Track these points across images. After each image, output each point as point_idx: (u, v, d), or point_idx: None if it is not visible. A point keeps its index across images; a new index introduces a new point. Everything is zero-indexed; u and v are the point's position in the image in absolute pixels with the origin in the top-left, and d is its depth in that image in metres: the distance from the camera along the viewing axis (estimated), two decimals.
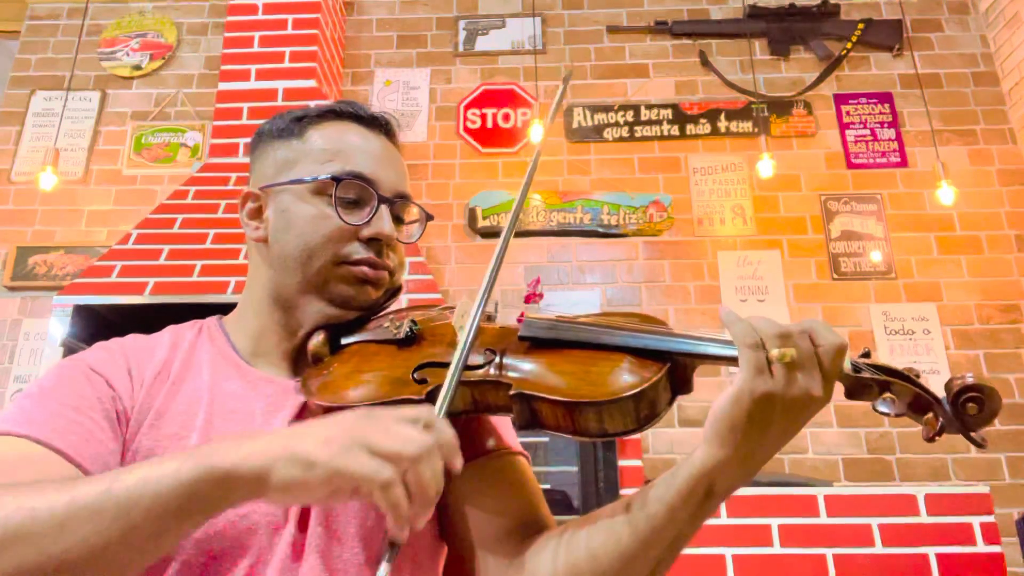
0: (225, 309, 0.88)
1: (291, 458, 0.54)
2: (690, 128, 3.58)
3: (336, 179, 0.79)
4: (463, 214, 3.50)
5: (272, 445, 0.55)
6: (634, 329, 0.68)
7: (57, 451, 0.64)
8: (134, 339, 0.81)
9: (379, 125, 0.86)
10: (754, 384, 0.57)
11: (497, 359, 0.70)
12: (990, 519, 2.00)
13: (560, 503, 2.47)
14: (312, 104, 0.90)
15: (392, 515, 0.54)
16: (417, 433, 0.56)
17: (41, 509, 0.52)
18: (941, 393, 0.60)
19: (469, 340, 0.66)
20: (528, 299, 0.81)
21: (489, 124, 3.65)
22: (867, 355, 0.63)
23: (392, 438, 0.55)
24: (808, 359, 0.58)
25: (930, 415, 0.60)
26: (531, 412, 0.66)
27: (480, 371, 0.69)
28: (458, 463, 0.58)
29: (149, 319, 2.68)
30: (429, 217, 0.91)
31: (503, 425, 0.84)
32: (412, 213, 0.89)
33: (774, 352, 0.57)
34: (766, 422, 0.59)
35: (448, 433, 0.58)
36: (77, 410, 0.69)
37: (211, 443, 0.58)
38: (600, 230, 3.43)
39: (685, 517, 0.62)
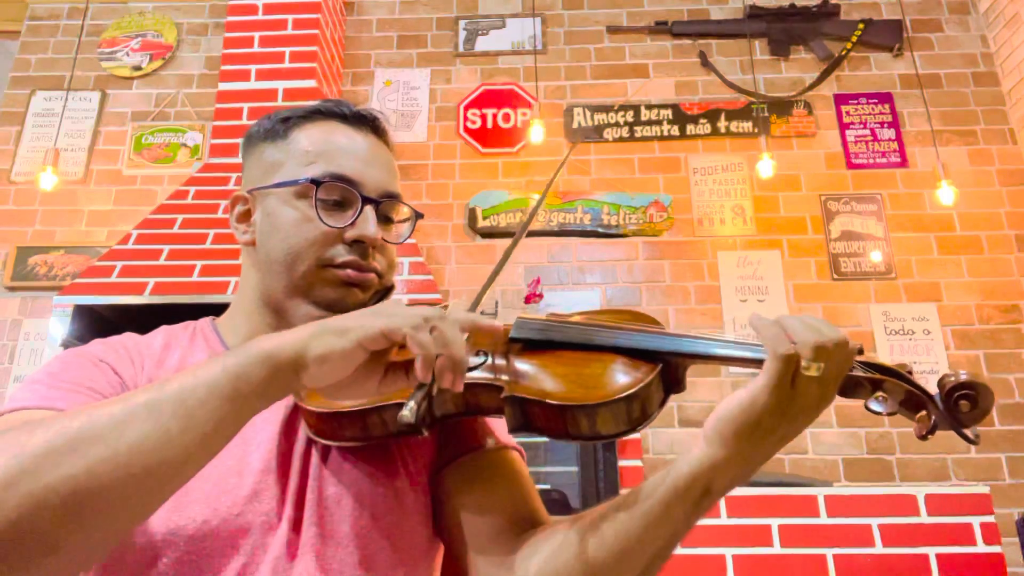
0: (225, 309, 0.88)
1: (324, 330, 0.59)
2: (690, 128, 3.58)
3: (315, 182, 0.78)
4: (463, 214, 3.50)
5: (306, 328, 0.60)
6: (626, 329, 0.67)
7: None
8: (129, 336, 0.82)
9: (365, 123, 0.85)
10: (772, 395, 0.56)
11: (489, 361, 0.70)
12: (990, 519, 2.00)
13: (559, 503, 2.47)
14: (303, 104, 0.89)
15: (420, 354, 0.58)
16: (441, 312, 0.62)
17: (99, 415, 0.53)
18: (934, 390, 0.59)
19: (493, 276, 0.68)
20: (528, 299, 0.80)
21: (489, 124, 3.65)
22: (860, 352, 0.61)
23: (415, 308, 0.61)
24: (838, 371, 0.57)
25: (923, 413, 0.60)
26: (523, 415, 0.65)
27: (472, 373, 0.68)
28: (495, 323, 0.63)
29: (149, 319, 2.68)
30: (419, 215, 0.89)
31: (495, 419, 0.83)
32: (401, 212, 0.87)
33: (804, 363, 0.55)
34: (773, 428, 0.58)
35: (470, 314, 0.63)
36: (90, 388, 0.70)
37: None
38: (600, 230, 3.43)
39: (681, 515, 0.62)
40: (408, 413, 0.56)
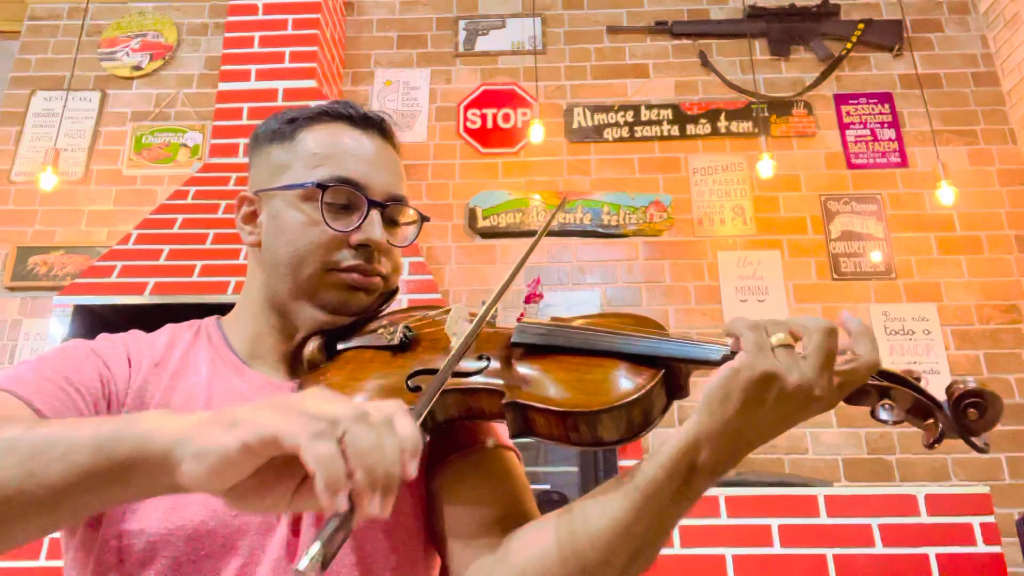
0: (225, 309, 0.88)
1: (215, 420, 0.47)
2: (690, 128, 3.58)
3: (322, 185, 0.78)
4: (463, 214, 3.50)
5: (201, 415, 0.49)
6: (629, 334, 0.66)
7: (36, 410, 0.65)
8: (134, 333, 0.82)
9: (372, 125, 0.84)
10: (756, 360, 0.56)
11: (490, 365, 0.69)
12: (990, 519, 2.00)
13: (559, 504, 2.46)
14: (309, 105, 0.89)
15: (320, 474, 0.43)
16: (364, 406, 0.47)
17: None
18: (942, 397, 0.59)
19: (458, 356, 0.65)
20: (528, 299, 0.79)
21: (489, 124, 3.65)
22: None
23: (333, 404, 0.46)
24: (818, 351, 0.56)
25: (931, 420, 0.59)
26: (524, 420, 0.65)
27: (473, 378, 0.68)
28: (411, 467, 0.46)
29: (149, 319, 2.68)
30: (424, 219, 0.89)
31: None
32: (407, 215, 0.87)
33: (774, 339, 0.57)
34: (760, 401, 0.56)
35: (410, 429, 0.47)
36: (67, 380, 0.69)
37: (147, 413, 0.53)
38: (600, 230, 3.43)
39: (668, 491, 0.60)
40: (306, 564, 0.40)
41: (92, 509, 0.52)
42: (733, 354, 0.59)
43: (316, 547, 0.41)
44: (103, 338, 0.80)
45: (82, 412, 0.69)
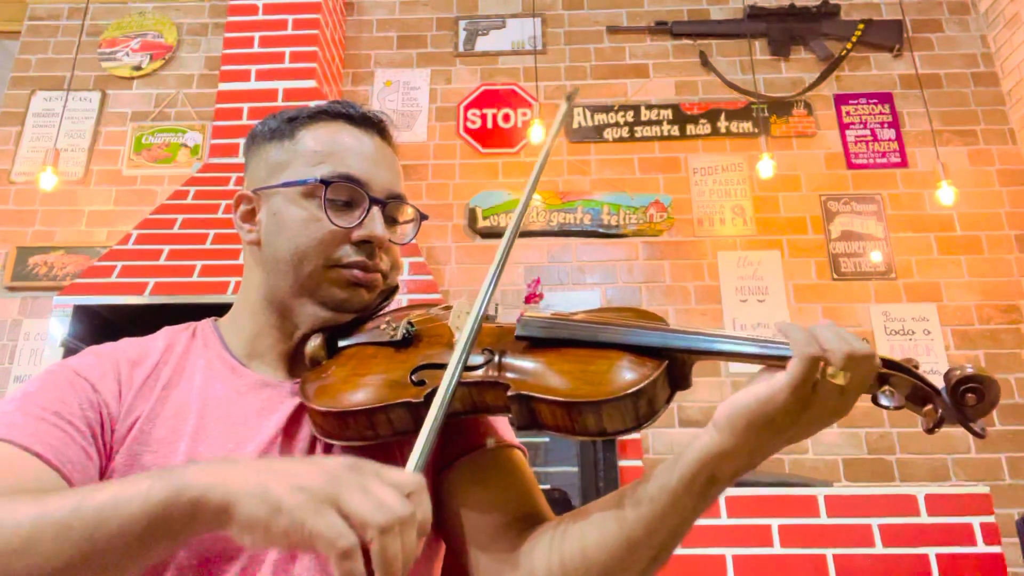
0: (225, 309, 0.88)
1: (261, 496, 0.50)
2: (690, 128, 3.58)
3: (325, 182, 0.78)
4: (463, 214, 3.50)
5: (247, 476, 0.52)
6: (631, 326, 0.67)
7: (36, 455, 0.64)
8: (127, 344, 0.81)
9: (372, 124, 0.85)
10: (792, 394, 0.56)
11: (495, 359, 0.70)
12: (990, 519, 2.00)
13: (560, 503, 2.46)
14: (308, 105, 0.89)
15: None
16: (396, 500, 0.50)
17: (7, 523, 0.52)
18: (940, 384, 0.59)
19: (467, 347, 0.65)
20: (528, 299, 0.79)
21: (489, 124, 3.65)
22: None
23: (367, 501, 0.49)
24: (860, 384, 0.56)
25: (929, 407, 0.59)
26: (530, 412, 0.65)
27: (478, 372, 0.69)
28: (420, 545, 0.52)
29: (149, 319, 2.68)
30: (423, 217, 0.90)
31: (497, 418, 0.83)
32: (406, 213, 0.88)
33: (831, 370, 0.55)
34: (784, 428, 0.58)
35: (427, 507, 0.52)
36: (58, 415, 0.68)
37: (185, 465, 0.55)
38: (600, 230, 3.43)
39: (688, 504, 0.61)
40: None
41: (143, 566, 0.55)
42: (762, 357, 0.59)
43: None
44: (90, 354, 0.78)
45: (80, 447, 0.67)
